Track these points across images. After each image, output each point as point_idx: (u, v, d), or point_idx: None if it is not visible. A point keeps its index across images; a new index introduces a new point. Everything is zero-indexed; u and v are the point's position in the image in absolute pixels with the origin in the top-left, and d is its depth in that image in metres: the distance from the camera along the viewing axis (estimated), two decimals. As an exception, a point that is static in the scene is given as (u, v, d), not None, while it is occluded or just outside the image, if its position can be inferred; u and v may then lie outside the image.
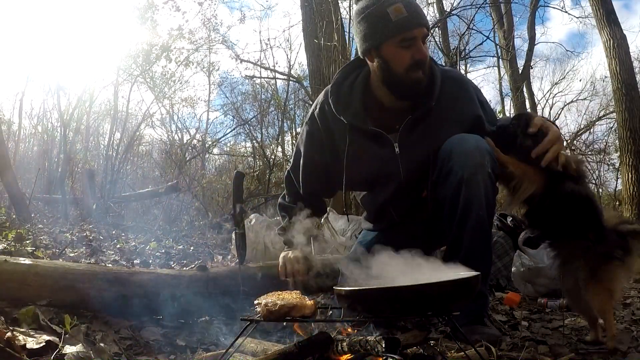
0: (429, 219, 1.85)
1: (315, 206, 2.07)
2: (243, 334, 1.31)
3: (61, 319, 1.58)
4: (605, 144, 11.73)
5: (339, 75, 1.90)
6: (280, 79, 10.42)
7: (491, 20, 11.11)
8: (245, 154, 12.82)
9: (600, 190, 10.68)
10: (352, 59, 1.88)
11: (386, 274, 1.36)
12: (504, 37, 11.67)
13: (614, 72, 6.50)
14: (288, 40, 14.51)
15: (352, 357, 1.24)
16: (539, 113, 13.40)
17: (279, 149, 10.26)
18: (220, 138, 13.51)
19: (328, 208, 3.66)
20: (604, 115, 13.08)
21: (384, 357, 1.17)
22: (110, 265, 2.98)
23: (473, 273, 1.22)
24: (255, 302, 1.34)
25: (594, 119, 13.30)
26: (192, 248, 4.67)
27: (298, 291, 1.41)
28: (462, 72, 9.87)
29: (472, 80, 2.24)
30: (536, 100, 14.05)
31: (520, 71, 12.64)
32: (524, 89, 12.55)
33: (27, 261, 1.81)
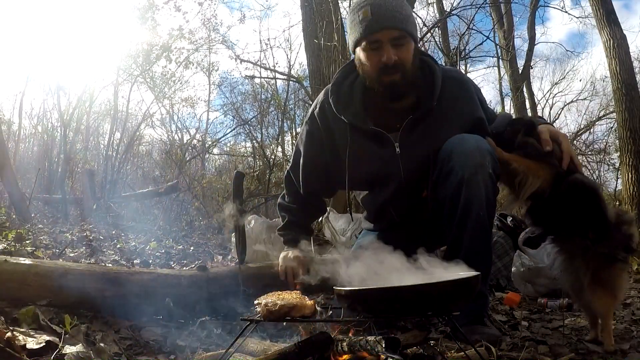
0: (429, 219, 1.85)
1: (315, 206, 2.07)
2: (243, 334, 1.31)
3: (61, 319, 1.58)
4: (605, 144, 11.77)
5: (339, 74, 1.90)
6: (280, 79, 10.43)
7: (491, 20, 11.15)
8: (245, 154, 12.81)
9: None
10: (351, 58, 1.88)
11: (386, 273, 1.36)
12: (504, 37, 11.68)
13: (614, 72, 6.49)
14: (288, 40, 14.55)
15: (352, 357, 1.24)
16: (539, 113, 13.44)
17: (279, 149, 10.25)
18: (220, 138, 13.52)
19: (328, 208, 3.67)
20: (604, 115, 13.12)
21: (384, 357, 1.17)
22: (110, 265, 2.98)
23: (473, 273, 1.22)
24: (255, 302, 1.34)
25: (594, 119, 13.36)
26: (192, 248, 4.67)
27: (298, 291, 1.41)
28: (462, 72, 9.86)
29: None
30: (536, 100, 14.08)
31: (520, 71, 12.65)
32: (524, 89, 12.55)
33: (27, 261, 1.81)
